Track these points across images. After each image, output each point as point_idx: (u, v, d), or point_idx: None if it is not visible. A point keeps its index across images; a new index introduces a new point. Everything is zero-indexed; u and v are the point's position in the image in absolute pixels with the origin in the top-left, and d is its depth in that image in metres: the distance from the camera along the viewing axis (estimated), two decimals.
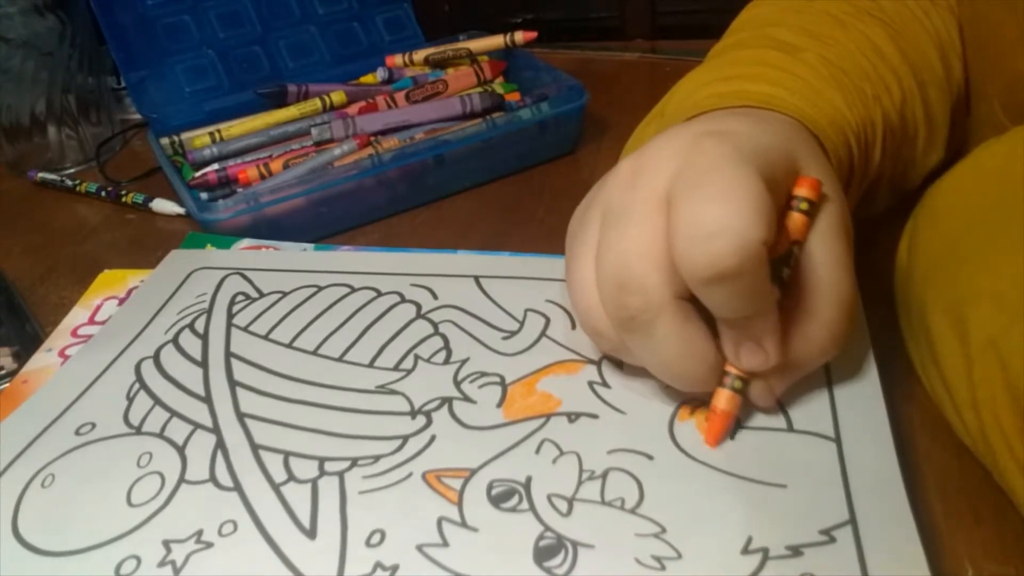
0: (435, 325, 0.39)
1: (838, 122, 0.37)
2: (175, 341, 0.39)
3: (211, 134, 0.57)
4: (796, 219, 0.30)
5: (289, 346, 0.39)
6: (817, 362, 0.32)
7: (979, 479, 0.31)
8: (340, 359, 0.37)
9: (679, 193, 0.28)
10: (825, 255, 0.30)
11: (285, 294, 0.42)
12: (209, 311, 0.41)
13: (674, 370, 0.31)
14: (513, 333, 0.38)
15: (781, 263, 0.30)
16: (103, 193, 0.57)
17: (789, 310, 0.30)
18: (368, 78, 0.64)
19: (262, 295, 0.42)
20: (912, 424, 0.34)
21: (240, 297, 0.42)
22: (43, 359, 0.40)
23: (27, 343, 0.42)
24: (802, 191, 0.30)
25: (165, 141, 0.57)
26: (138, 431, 0.34)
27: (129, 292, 0.45)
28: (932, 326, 0.31)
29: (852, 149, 0.38)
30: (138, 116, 0.64)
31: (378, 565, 0.28)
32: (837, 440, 0.31)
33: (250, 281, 0.43)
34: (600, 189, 0.33)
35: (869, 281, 0.38)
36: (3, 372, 0.40)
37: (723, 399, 0.31)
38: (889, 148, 0.40)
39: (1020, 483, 0.27)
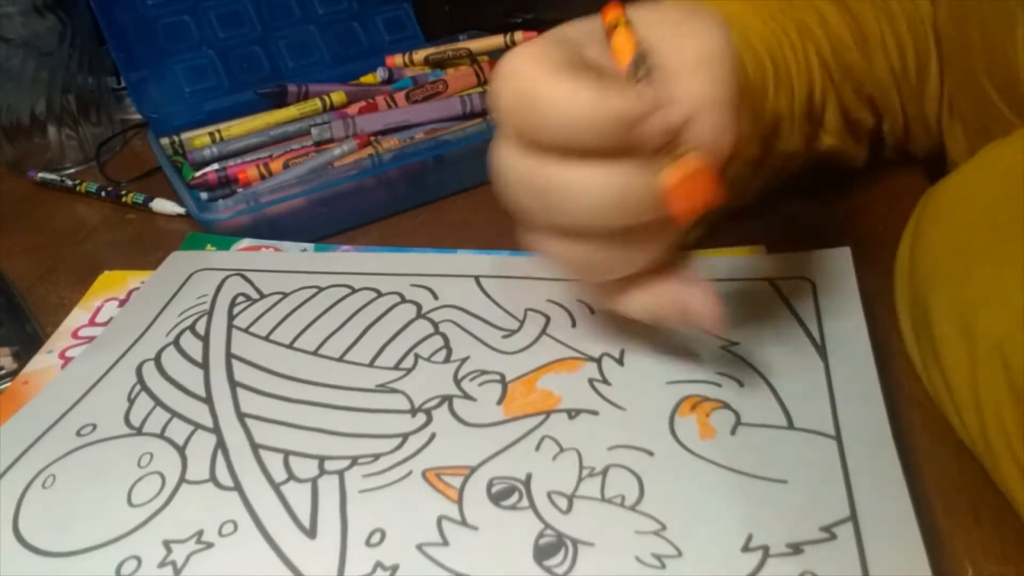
0: (435, 325, 0.39)
1: (745, 32, 0.40)
2: (176, 343, 0.39)
3: (211, 134, 0.56)
4: (616, 41, 0.29)
5: (290, 347, 0.39)
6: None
7: (979, 479, 0.31)
8: (340, 359, 0.37)
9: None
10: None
11: (286, 295, 0.42)
12: (210, 313, 0.41)
13: (601, 194, 0.28)
14: (513, 332, 0.38)
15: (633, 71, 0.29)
16: (103, 193, 0.57)
17: None
18: (368, 78, 0.64)
19: (263, 296, 0.42)
20: (912, 424, 0.34)
21: (241, 298, 0.42)
22: (44, 360, 0.40)
23: (27, 343, 0.42)
24: (607, 19, 0.30)
25: (165, 141, 0.57)
26: (139, 432, 0.34)
27: (129, 293, 0.45)
28: (935, 327, 0.31)
29: (761, 57, 0.39)
30: (138, 116, 0.64)
31: (378, 565, 0.28)
32: (837, 437, 0.31)
33: (251, 282, 0.43)
34: None
35: (869, 281, 0.38)
36: (3, 372, 0.40)
37: (681, 167, 0.28)
38: (817, 85, 0.42)
39: (1020, 486, 0.27)
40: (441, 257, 0.44)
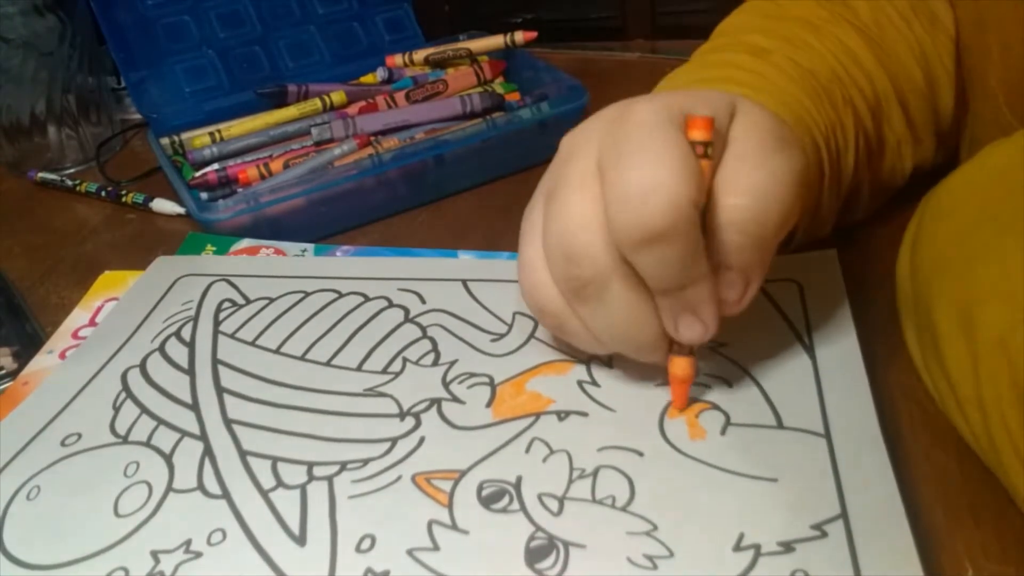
0: (423, 329, 0.39)
1: (804, 120, 0.37)
2: (161, 349, 0.39)
3: (211, 134, 0.57)
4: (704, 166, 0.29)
5: (276, 352, 0.38)
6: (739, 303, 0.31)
7: (979, 479, 0.31)
8: (328, 364, 0.37)
9: (607, 159, 0.29)
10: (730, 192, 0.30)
11: (272, 300, 0.42)
12: (195, 318, 0.41)
13: (626, 336, 0.31)
14: (502, 335, 0.38)
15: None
16: (103, 193, 0.57)
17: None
18: (368, 78, 0.64)
19: (249, 301, 0.42)
20: (912, 424, 0.33)
21: (226, 304, 0.42)
22: (44, 361, 0.40)
23: (27, 343, 0.42)
24: (695, 134, 0.29)
25: (165, 141, 0.57)
26: (125, 440, 0.34)
27: None
28: (938, 322, 0.31)
29: (820, 149, 0.38)
30: (138, 116, 0.64)
31: (369, 571, 0.28)
32: (827, 436, 0.31)
33: (236, 287, 0.43)
34: (545, 175, 0.34)
35: (855, 282, 0.38)
36: (3, 372, 0.40)
37: (679, 367, 0.32)
38: (863, 152, 0.40)
39: (1023, 482, 0.27)
40: (428, 261, 0.44)
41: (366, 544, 0.29)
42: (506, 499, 0.30)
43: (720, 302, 0.30)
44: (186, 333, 0.40)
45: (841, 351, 0.35)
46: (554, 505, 0.29)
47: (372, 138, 0.56)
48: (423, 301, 0.41)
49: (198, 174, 0.54)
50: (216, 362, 0.38)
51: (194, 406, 0.36)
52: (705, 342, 0.31)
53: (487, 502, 0.30)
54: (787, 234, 0.32)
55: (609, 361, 0.36)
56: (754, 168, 0.29)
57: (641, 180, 0.27)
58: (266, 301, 0.42)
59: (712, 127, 0.29)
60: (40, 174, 0.60)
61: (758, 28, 0.43)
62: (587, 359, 0.36)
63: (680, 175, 0.27)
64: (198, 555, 0.29)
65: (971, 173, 0.33)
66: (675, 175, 0.27)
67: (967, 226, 0.32)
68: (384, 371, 0.37)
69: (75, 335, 0.42)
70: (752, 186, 0.29)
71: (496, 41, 0.63)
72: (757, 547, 0.27)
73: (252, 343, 0.39)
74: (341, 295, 0.42)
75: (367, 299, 0.41)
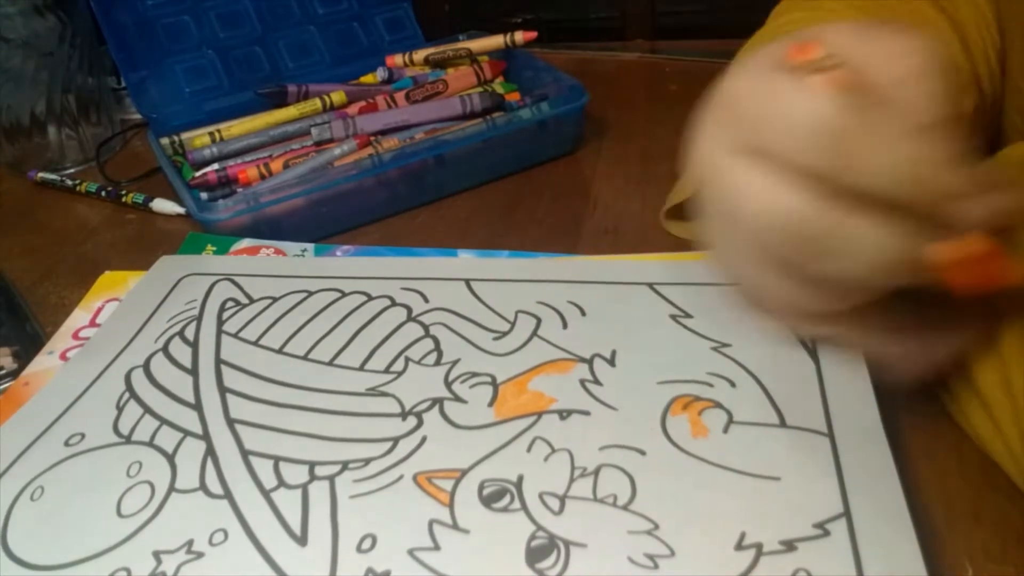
0: (426, 328, 0.39)
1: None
2: (165, 349, 0.39)
3: (211, 134, 0.56)
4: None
5: (279, 351, 0.38)
6: None
7: (979, 479, 0.31)
8: (330, 363, 0.37)
9: (747, 128, 0.27)
10: None
11: (275, 299, 0.42)
12: (199, 318, 0.41)
13: (888, 253, 0.26)
14: (504, 334, 0.38)
15: None
16: (103, 193, 0.57)
17: None
18: (368, 78, 0.63)
19: (252, 301, 0.42)
20: (913, 424, 0.33)
21: (230, 303, 0.42)
22: (44, 361, 0.40)
23: (27, 343, 0.42)
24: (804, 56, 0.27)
25: (165, 141, 0.57)
26: (128, 440, 0.34)
27: None
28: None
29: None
30: (138, 116, 0.64)
31: (370, 571, 0.28)
32: (830, 435, 0.31)
33: (240, 287, 0.43)
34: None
35: None
36: (3, 372, 0.40)
37: (968, 241, 0.26)
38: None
39: None
40: (431, 261, 0.44)
41: (367, 544, 0.29)
42: (507, 498, 0.30)
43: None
44: (190, 333, 0.40)
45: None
46: (555, 504, 0.29)
47: (372, 138, 0.56)
48: (426, 300, 0.41)
49: (198, 174, 0.54)
50: (219, 362, 0.38)
51: (197, 406, 0.36)
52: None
53: (488, 501, 0.30)
54: None
55: (612, 360, 0.36)
56: None
57: (795, 112, 0.26)
58: (269, 300, 0.42)
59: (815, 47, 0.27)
60: (40, 174, 0.60)
61: (824, 7, 0.42)
62: (589, 357, 0.36)
63: (813, 92, 0.25)
64: (200, 555, 0.29)
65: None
66: (813, 95, 0.25)
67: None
68: (386, 371, 0.37)
69: (76, 335, 0.42)
70: None
71: (496, 41, 0.63)
72: (759, 546, 0.27)
73: (255, 343, 0.39)
74: (344, 294, 0.42)
75: (370, 298, 0.41)
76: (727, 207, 0.28)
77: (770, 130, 0.26)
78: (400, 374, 0.36)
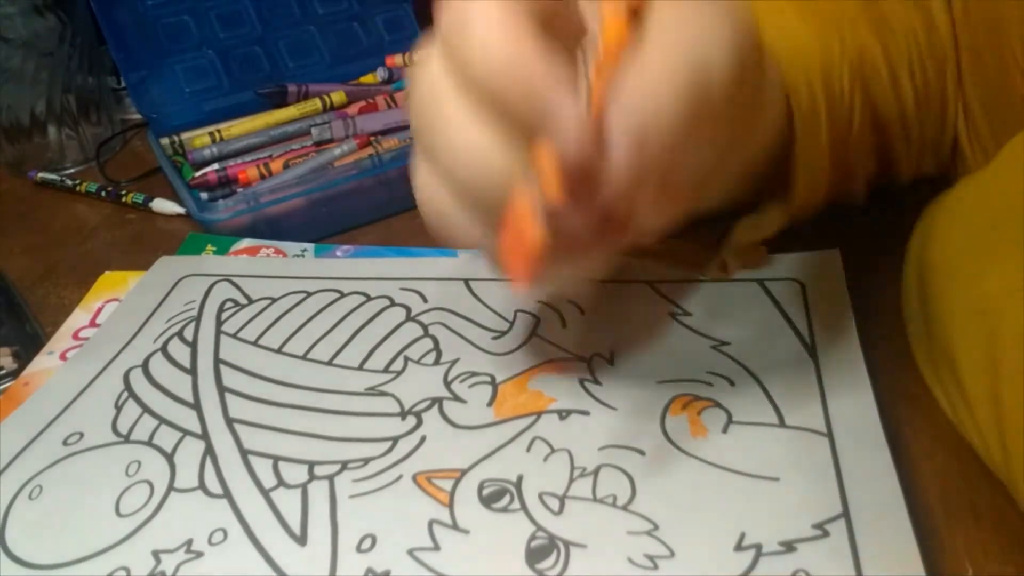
0: (425, 327, 0.39)
1: (803, 56, 0.36)
2: (164, 349, 0.39)
3: (211, 134, 0.56)
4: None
5: (278, 351, 0.38)
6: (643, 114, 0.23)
7: (979, 479, 0.31)
8: (330, 363, 0.37)
9: None
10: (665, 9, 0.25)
11: (274, 300, 0.42)
12: (198, 319, 0.41)
13: (479, 159, 0.25)
14: (503, 333, 0.38)
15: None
16: (103, 193, 0.57)
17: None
18: (368, 78, 0.64)
19: (251, 301, 0.42)
20: (912, 424, 0.33)
21: (229, 304, 0.42)
22: (44, 362, 0.40)
23: (27, 344, 0.42)
24: None
25: (165, 141, 0.57)
26: (126, 439, 0.34)
27: None
28: (952, 320, 0.31)
29: (815, 89, 0.36)
30: (138, 116, 0.64)
31: (369, 571, 0.28)
32: (829, 435, 0.31)
33: (239, 288, 0.43)
34: None
35: (858, 282, 0.38)
36: (3, 372, 0.40)
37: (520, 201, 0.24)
38: (858, 117, 0.38)
39: None
40: (430, 261, 0.44)
41: (367, 544, 0.29)
42: (507, 498, 0.30)
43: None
44: (188, 333, 0.40)
45: (843, 350, 0.35)
46: (555, 504, 0.29)
47: (372, 138, 0.56)
48: (424, 300, 0.41)
49: (198, 174, 0.54)
50: (218, 362, 0.38)
51: (196, 405, 0.36)
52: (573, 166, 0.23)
53: (488, 501, 0.30)
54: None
55: (611, 359, 0.36)
56: (682, 23, 0.24)
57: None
58: (268, 301, 0.42)
59: None
60: (40, 174, 0.60)
61: None
62: (589, 357, 0.36)
63: None
64: (199, 555, 0.29)
65: (986, 177, 0.33)
66: None
67: (986, 222, 0.31)
68: (385, 370, 0.37)
69: (76, 336, 0.42)
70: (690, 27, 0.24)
71: None
72: (758, 547, 0.27)
73: (254, 343, 0.39)
74: (343, 295, 0.42)
75: (369, 298, 0.41)
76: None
77: None
78: (399, 374, 0.36)
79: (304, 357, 0.38)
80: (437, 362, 0.37)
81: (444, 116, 0.25)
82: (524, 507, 0.29)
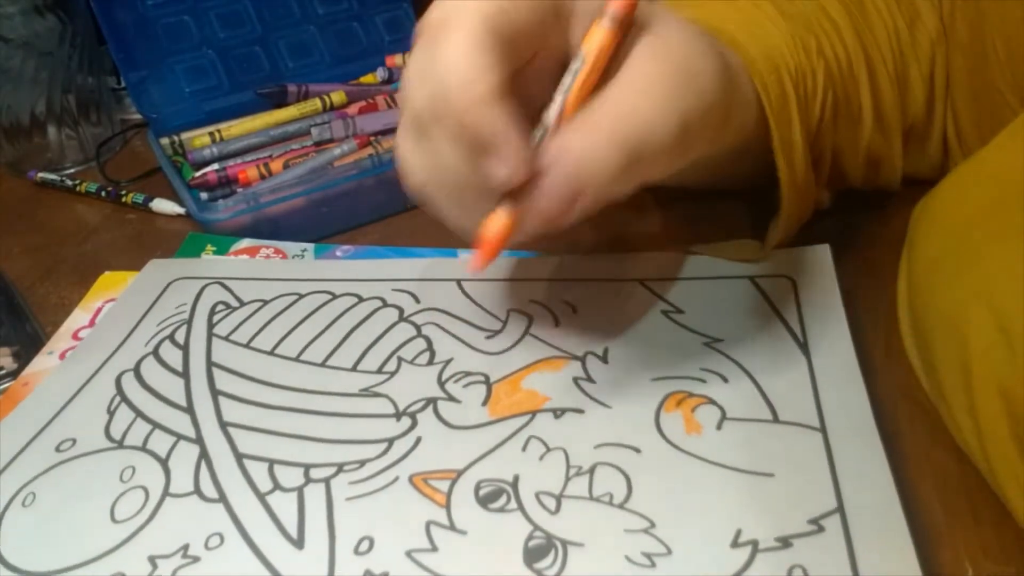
0: (418, 327, 0.39)
1: (772, 56, 0.36)
2: (155, 353, 0.39)
3: (211, 134, 0.56)
4: (593, 32, 0.28)
5: (271, 353, 0.38)
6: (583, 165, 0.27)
7: (979, 479, 0.30)
8: (323, 364, 0.37)
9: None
10: (628, 71, 0.28)
11: (266, 302, 0.42)
12: (189, 322, 0.41)
13: (451, 175, 0.29)
14: (496, 332, 0.38)
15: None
16: (103, 193, 0.57)
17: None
18: (368, 78, 0.64)
19: (242, 304, 0.42)
20: (912, 424, 0.33)
21: (220, 306, 0.42)
22: (44, 361, 0.40)
23: (27, 344, 0.42)
24: (611, 6, 0.28)
25: (165, 141, 0.57)
26: (120, 445, 0.34)
27: None
28: (931, 327, 0.31)
29: (786, 87, 0.36)
30: (138, 116, 0.64)
31: (368, 573, 0.28)
32: (822, 429, 0.31)
33: (230, 290, 0.43)
34: None
35: (848, 276, 0.38)
36: (3, 372, 0.40)
37: (493, 217, 0.28)
38: (830, 111, 0.39)
39: (1014, 490, 0.27)
40: (422, 262, 0.44)
41: (364, 546, 0.29)
42: (503, 498, 0.30)
43: (521, 158, 0.27)
44: (180, 336, 0.40)
45: (835, 346, 0.35)
46: (551, 504, 0.29)
47: (372, 138, 0.56)
48: (417, 300, 0.41)
49: (198, 174, 0.54)
50: (211, 365, 0.38)
51: (189, 409, 0.36)
52: (508, 182, 0.27)
53: (484, 502, 0.30)
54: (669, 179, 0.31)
55: (604, 357, 0.36)
56: (636, 92, 0.28)
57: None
58: (260, 303, 0.42)
59: (634, 6, 0.28)
60: (40, 174, 0.60)
61: None
62: (582, 355, 0.36)
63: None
64: (196, 559, 0.29)
65: (966, 175, 0.33)
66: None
67: (960, 227, 0.31)
68: (379, 371, 0.36)
69: (76, 336, 0.42)
70: (642, 106, 0.27)
71: None
72: (755, 543, 0.27)
73: (246, 345, 0.39)
74: (335, 296, 0.42)
75: (361, 300, 0.41)
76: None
77: None
78: (393, 374, 0.36)
79: (297, 359, 0.38)
80: (431, 362, 0.37)
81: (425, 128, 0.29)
82: (521, 507, 0.29)
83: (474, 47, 0.27)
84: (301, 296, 0.42)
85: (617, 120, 0.27)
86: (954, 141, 0.44)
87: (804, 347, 0.35)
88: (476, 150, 0.27)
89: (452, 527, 0.29)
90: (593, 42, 0.28)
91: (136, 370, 0.38)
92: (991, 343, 0.27)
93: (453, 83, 0.27)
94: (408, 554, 0.28)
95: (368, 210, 0.52)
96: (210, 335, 0.40)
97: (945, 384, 0.30)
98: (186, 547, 0.29)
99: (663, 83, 0.28)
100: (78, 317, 0.43)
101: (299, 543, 0.29)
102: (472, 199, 0.29)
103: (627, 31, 0.28)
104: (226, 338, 0.40)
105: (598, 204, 0.28)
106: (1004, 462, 0.27)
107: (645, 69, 0.28)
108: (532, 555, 0.28)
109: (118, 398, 0.37)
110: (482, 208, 0.29)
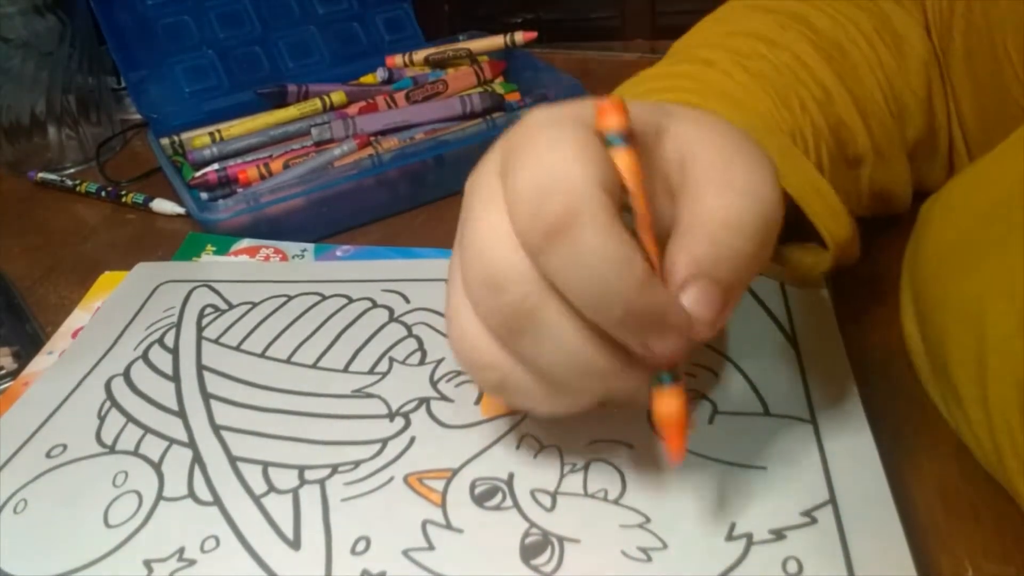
0: (409, 328, 0.39)
1: (766, 120, 0.37)
2: (145, 357, 0.39)
3: (211, 134, 0.56)
4: (621, 157, 0.25)
5: (262, 356, 0.38)
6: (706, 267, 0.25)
7: (979, 479, 0.30)
8: (314, 366, 0.37)
9: (505, 167, 0.25)
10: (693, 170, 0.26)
11: (255, 305, 0.42)
12: (178, 325, 0.41)
13: (580, 364, 0.25)
14: None
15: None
16: (103, 193, 0.57)
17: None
18: (368, 78, 0.64)
19: (231, 307, 0.42)
20: (912, 424, 0.33)
21: (209, 309, 0.42)
22: (44, 361, 0.40)
23: (27, 343, 0.42)
24: (605, 121, 0.25)
25: (165, 141, 0.57)
26: (112, 450, 0.34)
27: None
28: (943, 319, 0.31)
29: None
30: (138, 116, 0.64)
31: (365, 573, 0.28)
32: (813, 421, 0.31)
33: (218, 293, 0.43)
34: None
35: (870, 281, 0.38)
36: (3, 372, 0.40)
37: (664, 402, 0.26)
38: (826, 161, 0.39)
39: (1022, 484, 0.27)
40: (411, 263, 0.44)
41: (361, 546, 0.29)
42: (499, 496, 0.30)
43: (689, 322, 0.25)
44: (169, 340, 0.40)
45: (823, 337, 0.35)
46: (547, 501, 0.29)
47: (372, 138, 0.56)
48: (407, 301, 0.41)
49: (198, 174, 0.54)
50: (201, 368, 0.38)
51: (181, 413, 0.35)
52: (687, 356, 0.26)
53: (480, 500, 0.30)
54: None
55: None
56: (731, 165, 0.26)
57: (534, 173, 0.24)
58: (249, 306, 0.42)
59: (624, 110, 0.25)
60: (40, 174, 0.60)
61: (707, 43, 0.42)
62: None
63: (576, 159, 0.24)
64: (192, 563, 0.29)
65: (982, 168, 0.33)
66: (569, 160, 0.24)
67: (975, 222, 0.31)
68: (371, 372, 0.36)
69: (75, 336, 0.42)
70: (738, 182, 0.26)
71: (496, 41, 0.63)
72: (749, 536, 0.28)
73: (237, 348, 0.39)
74: (324, 297, 0.42)
75: (351, 300, 0.41)
76: (464, 230, 0.27)
77: (511, 177, 0.25)
78: (385, 375, 0.36)
79: (288, 361, 0.38)
80: (422, 362, 0.37)
81: (540, 320, 0.25)
82: (516, 504, 0.29)
83: (611, 231, 0.23)
84: (290, 298, 0.42)
85: (730, 194, 0.25)
86: (963, 149, 0.43)
87: (792, 341, 0.35)
88: (642, 333, 0.24)
89: (448, 526, 0.29)
90: (626, 169, 0.25)
91: (126, 375, 0.38)
92: (1010, 335, 0.27)
93: (612, 275, 0.23)
94: (405, 553, 0.28)
95: (368, 210, 0.52)
96: (200, 338, 0.40)
97: (955, 376, 0.30)
98: (182, 550, 0.29)
99: (738, 160, 0.26)
100: (78, 317, 0.43)
101: (296, 544, 0.29)
102: (589, 382, 0.26)
103: (637, 138, 0.26)
104: (216, 341, 0.39)
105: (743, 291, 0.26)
106: (1016, 455, 0.27)
107: (709, 158, 0.26)
108: (529, 552, 0.28)
109: (108, 403, 0.36)
110: (593, 388, 0.26)
